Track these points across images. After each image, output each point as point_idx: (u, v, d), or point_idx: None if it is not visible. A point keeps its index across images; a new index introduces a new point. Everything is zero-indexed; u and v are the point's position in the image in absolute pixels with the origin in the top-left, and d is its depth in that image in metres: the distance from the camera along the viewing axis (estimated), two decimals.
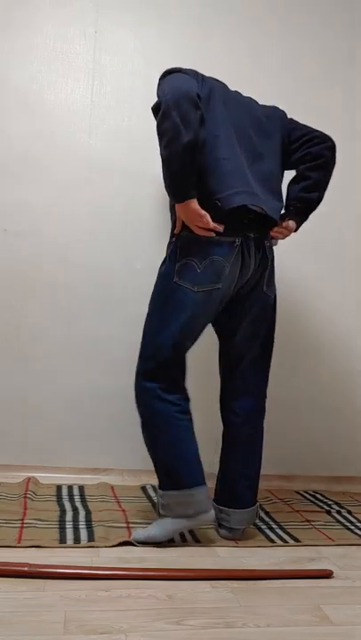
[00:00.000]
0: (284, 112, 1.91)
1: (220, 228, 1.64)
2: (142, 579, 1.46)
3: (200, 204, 1.61)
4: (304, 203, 1.81)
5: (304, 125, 1.87)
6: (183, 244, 1.68)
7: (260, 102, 2.01)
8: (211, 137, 1.65)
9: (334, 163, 1.82)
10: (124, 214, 2.34)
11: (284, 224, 1.80)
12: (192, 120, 1.52)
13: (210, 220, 1.62)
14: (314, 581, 1.53)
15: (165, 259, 1.75)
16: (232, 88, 2.19)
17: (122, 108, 2.37)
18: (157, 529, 1.67)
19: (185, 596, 1.39)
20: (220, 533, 1.79)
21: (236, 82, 2.34)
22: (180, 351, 1.71)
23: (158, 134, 1.57)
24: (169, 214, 1.82)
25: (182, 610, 1.32)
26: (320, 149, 1.79)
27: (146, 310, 2.38)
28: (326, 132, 1.89)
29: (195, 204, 1.60)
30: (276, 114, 1.88)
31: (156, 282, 1.76)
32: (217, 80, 1.84)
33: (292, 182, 1.84)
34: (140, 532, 1.68)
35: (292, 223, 1.82)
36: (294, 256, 2.49)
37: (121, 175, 2.35)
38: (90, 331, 2.34)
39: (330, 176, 1.83)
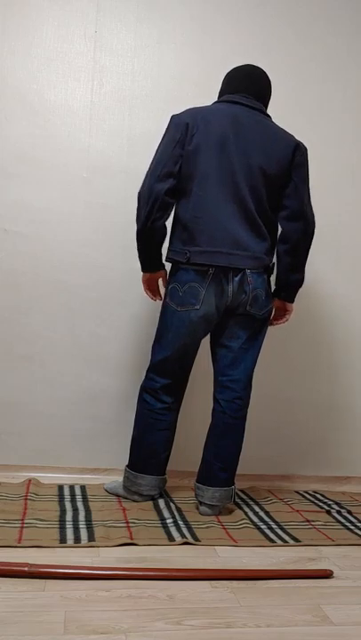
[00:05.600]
0: (299, 153, 1.96)
1: (156, 299, 2.11)
2: (142, 579, 1.46)
3: (176, 250, 1.93)
4: (291, 285, 2.05)
5: (300, 191, 1.95)
6: (172, 271, 1.99)
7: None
8: (194, 194, 1.89)
9: (305, 245, 1.99)
10: (123, 214, 2.34)
11: (281, 313, 2.12)
12: (157, 219, 1.87)
13: (151, 295, 2.09)
14: (314, 581, 1.53)
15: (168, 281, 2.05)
16: None
17: (122, 107, 2.37)
18: (114, 483, 2.14)
19: (185, 596, 1.40)
20: (200, 510, 1.99)
21: None
22: (163, 358, 2.00)
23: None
24: (170, 217, 1.98)
25: (182, 610, 1.32)
26: (290, 231, 1.96)
27: (147, 311, 2.41)
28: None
29: (149, 275, 2.03)
30: (285, 157, 1.93)
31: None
32: (234, 104, 1.94)
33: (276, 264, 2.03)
34: (111, 484, 2.15)
35: (288, 306, 2.11)
36: None
37: (121, 175, 2.35)
38: (90, 331, 2.34)
39: (305, 254, 2.01)
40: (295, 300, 2.12)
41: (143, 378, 2.09)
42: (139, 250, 1.98)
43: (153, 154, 1.95)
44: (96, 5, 2.35)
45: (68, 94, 2.33)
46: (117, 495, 2.08)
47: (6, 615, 1.24)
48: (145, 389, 2.05)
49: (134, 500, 2.03)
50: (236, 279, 1.90)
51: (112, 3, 2.37)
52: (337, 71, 2.57)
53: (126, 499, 2.05)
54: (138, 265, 2.28)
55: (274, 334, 2.29)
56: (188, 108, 1.97)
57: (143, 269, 2.03)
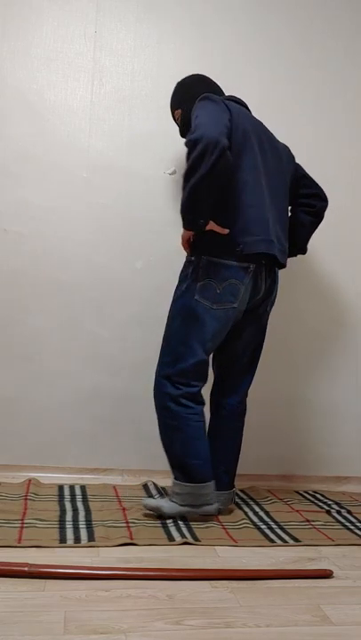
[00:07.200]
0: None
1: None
2: (142, 579, 1.46)
3: (223, 244, 1.81)
4: (297, 249, 2.12)
5: (309, 178, 2.10)
6: (204, 267, 1.85)
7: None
8: (240, 182, 1.82)
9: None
10: (123, 214, 2.34)
11: None
12: (220, 168, 1.68)
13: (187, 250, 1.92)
14: (314, 581, 1.53)
15: (185, 276, 1.89)
16: (232, 88, 2.20)
17: (122, 107, 2.37)
18: (167, 505, 1.87)
19: (185, 596, 1.39)
20: None
21: (236, 82, 2.35)
22: (198, 361, 1.87)
23: (190, 167, 1.68)
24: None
25: (182, 610, 1.32)
26: (320, 209, 2.07)
27: (147, 311, 2.39)
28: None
29: (192, 233, 1.87)
30: (289, 155, 2.06)
31: (177, 296, 1.90)
32: (240, 104, 1.96)
33: (295, 231, 2.07)
34: (150, 500, 1.89)
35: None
36: None
37: (121, 175, 2.35)
38: (90, 330, 2.34)
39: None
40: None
41: (162, 384, 1.88)
42: (190, 204, 1.72)
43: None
44: (96, 5, 2.35)
45: (67, 94, 2.33)
46: (159, 514, 1.86)
47: (6, 615, 1.24)
48: (176, 397, 1.85)
49: (205, 514, 1.87)
50: (269, 278, 1.93)
51: (112, 3, 2.37)
52: (336, 71, 2.57)
53: (193, 517, 1.87)
54: (138, 265, 2.28)
55: (274, 334, 2.29)
56: None
57: (187, 226, 1.79)
